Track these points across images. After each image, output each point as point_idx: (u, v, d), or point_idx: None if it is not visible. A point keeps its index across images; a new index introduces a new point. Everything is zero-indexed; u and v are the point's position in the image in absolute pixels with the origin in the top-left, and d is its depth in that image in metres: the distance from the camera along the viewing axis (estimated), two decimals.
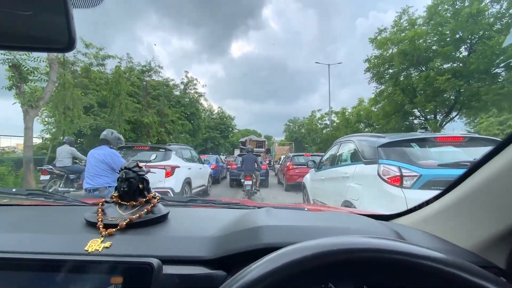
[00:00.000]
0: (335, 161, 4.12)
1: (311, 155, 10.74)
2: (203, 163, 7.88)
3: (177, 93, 20.24)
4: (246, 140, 21.38)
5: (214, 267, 0.55)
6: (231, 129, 33.28)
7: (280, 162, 13.76)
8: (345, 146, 3.89)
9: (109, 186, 3.11)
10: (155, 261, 0.51)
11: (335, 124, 23.43)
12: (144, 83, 17.39)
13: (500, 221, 0.55)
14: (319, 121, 24.92)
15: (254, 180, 7.34)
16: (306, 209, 1.09)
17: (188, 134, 20.31)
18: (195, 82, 22.26)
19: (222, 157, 19.93)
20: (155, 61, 18.52)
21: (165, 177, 5.16)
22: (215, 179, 11.08)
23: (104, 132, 3.37)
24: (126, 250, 0.57)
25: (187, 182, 5.82)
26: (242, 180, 7.32)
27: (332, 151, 4.46)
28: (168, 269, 0.53)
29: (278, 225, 0.64)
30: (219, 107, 33.82)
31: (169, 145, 6.27)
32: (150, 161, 5.04)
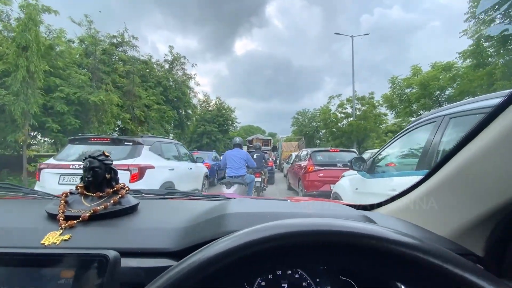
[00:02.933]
0: (427, 157, 1.98)
1: (340, 150, 7.70)
2: (195, 162, 6.20)
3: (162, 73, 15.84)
4: (253, 138, 20.61)
5: (179, 259, 0.47)
6: (231, 122, 28.70)
7: (290, 161, 11.02)
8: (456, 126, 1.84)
9: None
10: (111, 253, 0.47)
11: (360, 112, 18.75)
12: (114, 57, 13.06)
13: (475, 208, 0.55)
14: (339, 110, 20.29)
15: (263, 177, 7.10)
16: (288, 200, 1.03)
17: (171, 125, 15.95)
18: (182, 60, 17.88)
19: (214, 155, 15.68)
20: (128, 33, 14.14)
21: (130, 181, 3.72)
22: (209, 179, 8.48)
23: None
24: (86, 242, 0.55)
25: (168, 188, 4.04)
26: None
27: (410, 139, 2.42)
28: (130, 262, 0.51)
29: (243, 212, 0.64)
30: (217, 97, 29.35)
31: (142, 136, 4.61)
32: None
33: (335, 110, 20.89)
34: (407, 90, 13.05)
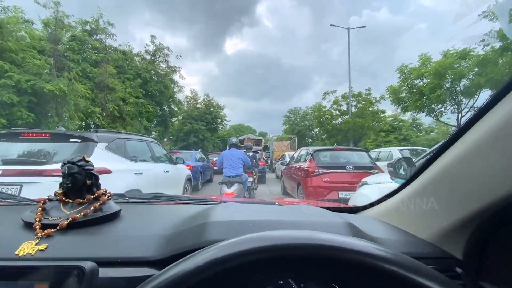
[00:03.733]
0: None
1: (347, 149, 6.44)
2: (175, 163, 4.99)
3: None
4: (244, 138, 20.11)
5: (161, 268, 0.47)
6: (220, 120, 27.26)
7: (284, 161, 10.08)
8: None
9: None
10: (88, 265, 0.46)
11: (356, 109, 17.66)
12: (86, 45, 11.51)
13: (456, 211, 0.55)
14: (334, 107, 19.12)
15: (254, 176, 6.70)
16: (276, 203, 1.05)
17: (153, 122, 14.47)
18: (166, 51, 16.38)
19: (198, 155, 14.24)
20: (104, 19, 12.56)
21: None
22: (192, 183, 7.19)
23: None
24: (63, 252, 0.53)
25: None
26: None
27: None
28: (109, 272, 0.50)
29: (225, 221, 0.62)
30: (205, 94, 27.81)
31: (97, 131, 3.56)
32: (42, 161, 2.88)
33: (329, 107, 19.75)
34: (416, 82, 11.72)
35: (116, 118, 11.19)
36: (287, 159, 11.53)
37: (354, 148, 7.55)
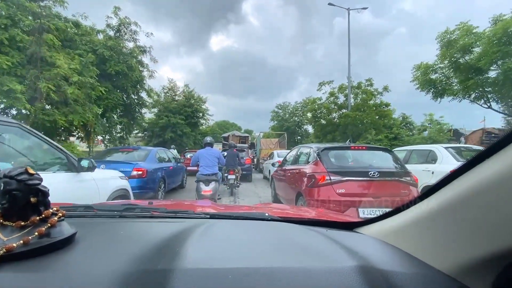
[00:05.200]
0: None
1: (368, 148, 4.55)
2: (92, 168, 2.69)
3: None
4: (229, 135, 18.26)
5: None
6: (201, 114, 24.54)
7: (275, 162, 8.90)
8: None
9: None
10: None
11: (355, 102, 15.46)
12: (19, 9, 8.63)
13: (488, 242, 0.44)
14: (330, 99, 16.83)
15: (237, 174, 7.38)
16: (267, 214, 0.96)
17: (114, 111, 11.69)
18: (133, 28, 13.56)
19: (174, 152, 11.73)
20: None
21: None
22: (146, 195, 5.61)
23: None
24: None
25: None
26: (226, 175, 7.09)
27: None
28: None
29: (197, 269, 0.50)
30: (185, 85, 24.94)
31: None
32: None
33: (325, 99, 17.50)
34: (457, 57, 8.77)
35: (56, 103, 8.39)
36: (276, 158, 10.09)
37: (375, 146, 5.36)
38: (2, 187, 0.53)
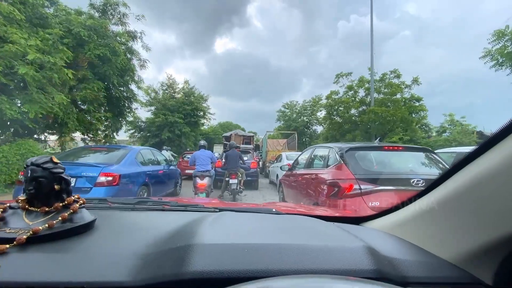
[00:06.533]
0: None
1: (405, 148, 3.45)
2: None
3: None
4: (231, 134, 16.27)
5: None
6: (202, 113, 22.54)
7: (284, 165, 6.87)
8: None
9: None
10: None
11: (380, 97, 13.21)
12: None
13: (490, 230, 0.47)
14: (348, 94, 14.63)
15: (240, 178, 6.66)
16: (274, 210, 0.98)
17: (92, 105, 9.72)
18: (122, 10, 11.67)
19: (167, 153, 9.87)
20: None
21: None
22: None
23: None
24: (16, 275, 0.45)
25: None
26: (227, 179, 6.54)
27: None
28: None
29: (215, 244, 0.52)
30: (185, 81, 22.99)
31: None
32: None
33: (342, 94, 15.21)
34: None
35: (4, 88, 6.44)
36: (285, 161, 8.96)
37: (414, 146, 3.76)
38: (29, 174, 0.57)
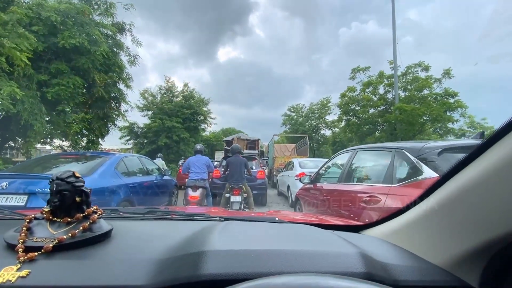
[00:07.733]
0: None
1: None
2: None
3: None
4: (233, 138, 13.48)
5: None
6: (202, 117, 20.97)
7: (295, 173, 6.23)
8: None
9: None
10: None
11: (405, 94, 11.40)
12: None
13: (474, 236, 0.50)
14: (366, 91, 12.88)
15: (245, 194, 4.93)
16: (276, 218, 1.01)
17: (70, 102, 8.14)
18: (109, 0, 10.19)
19: (161, 162, 8.35)
20: None
21: None
22: None
23: None
24: (46, 279, 0.49)
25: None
26: (227, 195, 4.88)
27: None
28: None
29: (225, 250, 0.57)
30: (185, 84, 21.51)
31: None
32: None
33: (359, 91, 13.40)
34: None
35: None
36: (298, 169, 7.50)
37: None
38: (55, 188, 0.63)
